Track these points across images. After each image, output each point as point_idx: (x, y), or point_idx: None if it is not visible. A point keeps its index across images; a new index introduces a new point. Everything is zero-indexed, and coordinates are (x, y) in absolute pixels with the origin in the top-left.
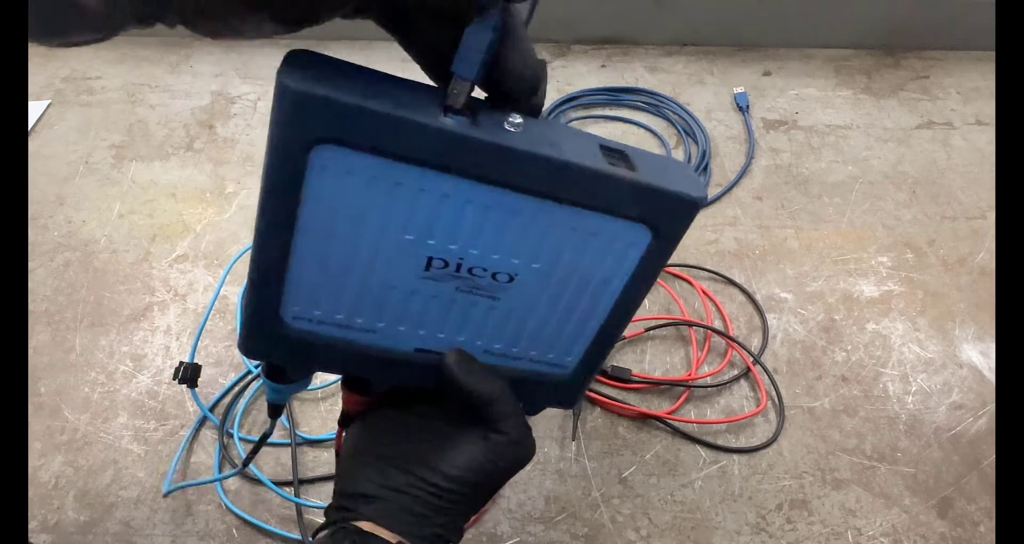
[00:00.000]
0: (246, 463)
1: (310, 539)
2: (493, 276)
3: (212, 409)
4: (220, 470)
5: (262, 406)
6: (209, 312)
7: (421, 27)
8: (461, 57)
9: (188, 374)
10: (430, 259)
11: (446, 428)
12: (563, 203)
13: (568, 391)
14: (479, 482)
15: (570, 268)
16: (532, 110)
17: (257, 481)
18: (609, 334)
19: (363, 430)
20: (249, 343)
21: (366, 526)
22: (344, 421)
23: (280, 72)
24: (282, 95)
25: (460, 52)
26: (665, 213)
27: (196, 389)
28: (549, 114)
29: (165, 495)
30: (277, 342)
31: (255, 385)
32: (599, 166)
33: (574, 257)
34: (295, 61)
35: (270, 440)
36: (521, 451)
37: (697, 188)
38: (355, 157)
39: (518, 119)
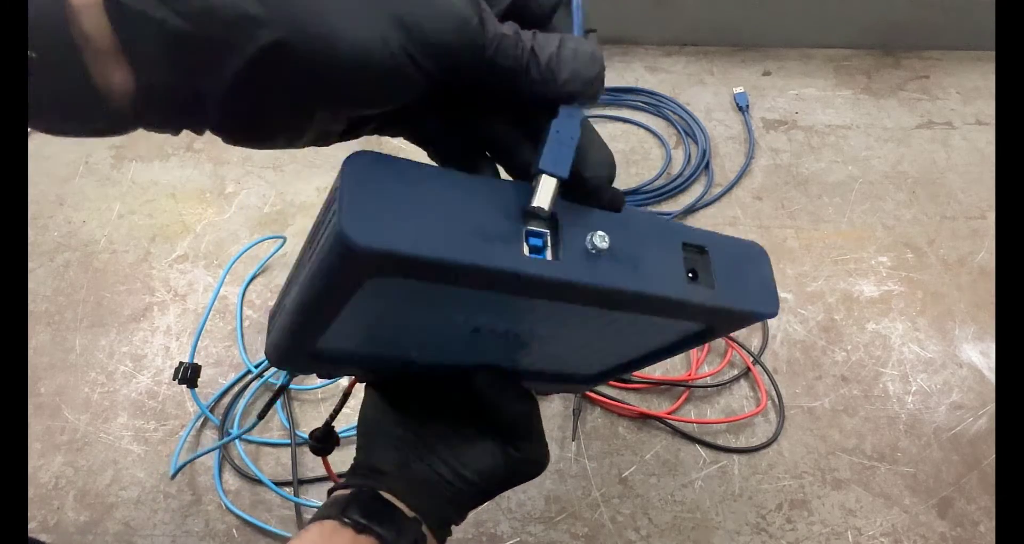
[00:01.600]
0: (263, 415)
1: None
2: (538, 339)
3: (212, 409)
4: (220, 471)
5: (262, 406)
6: (209, 312)
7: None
8: (550, 154)
9: (188, 374)
10: (478, 328)
11: (467, 428)
12: (634, 314)
13: (577, 388)
14: (490, 487)
15: (614, 339)
16: (615, 205)
17: (257, 481)
18: (632, 367)
19: (385, 401)
20: (281, 360)
21: (386, 495)
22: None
23: (341, 204)
24: (345, 245)
25: (549, 148)
26: (731, 323)
27: (196, 389)
28: None
29: (172, 476)
30: (309, 359)
31: (255, 385)
32: (680, 295)
33: (621, 334)
34: (355, 182)
35: (269, 440)
36: (536, 468)
37: (771, 300)
38: (418, 284)
39: (604, 242)
